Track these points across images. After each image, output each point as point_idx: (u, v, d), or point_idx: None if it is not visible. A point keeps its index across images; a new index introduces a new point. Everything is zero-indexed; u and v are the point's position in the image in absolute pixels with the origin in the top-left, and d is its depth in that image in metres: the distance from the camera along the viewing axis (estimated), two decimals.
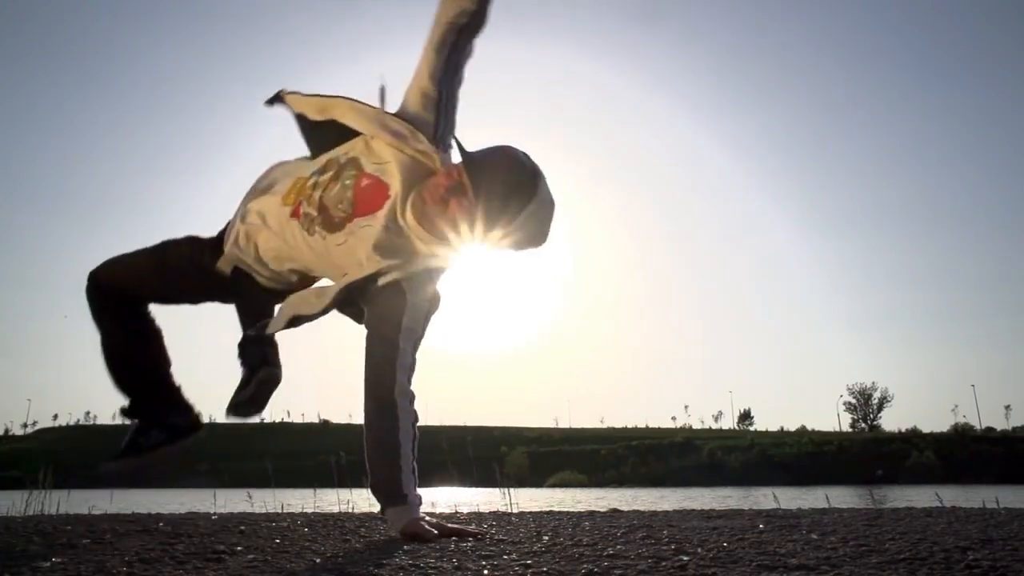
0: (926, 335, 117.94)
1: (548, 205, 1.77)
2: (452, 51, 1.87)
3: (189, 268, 1.98)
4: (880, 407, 69.35)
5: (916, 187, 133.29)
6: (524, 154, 1.75)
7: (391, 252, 1.76)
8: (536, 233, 1.78)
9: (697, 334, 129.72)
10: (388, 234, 1.77)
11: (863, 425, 68.78)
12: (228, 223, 2.00)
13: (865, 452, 53.82)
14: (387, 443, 1.81)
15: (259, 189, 1.95)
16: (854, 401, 70.48)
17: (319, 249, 1.81)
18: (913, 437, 57.41)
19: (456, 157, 1.80)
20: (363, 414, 1.87)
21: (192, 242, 2.02)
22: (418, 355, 1.86)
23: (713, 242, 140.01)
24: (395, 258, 1.76)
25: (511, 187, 1.70)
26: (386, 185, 1.79)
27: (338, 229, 1.78)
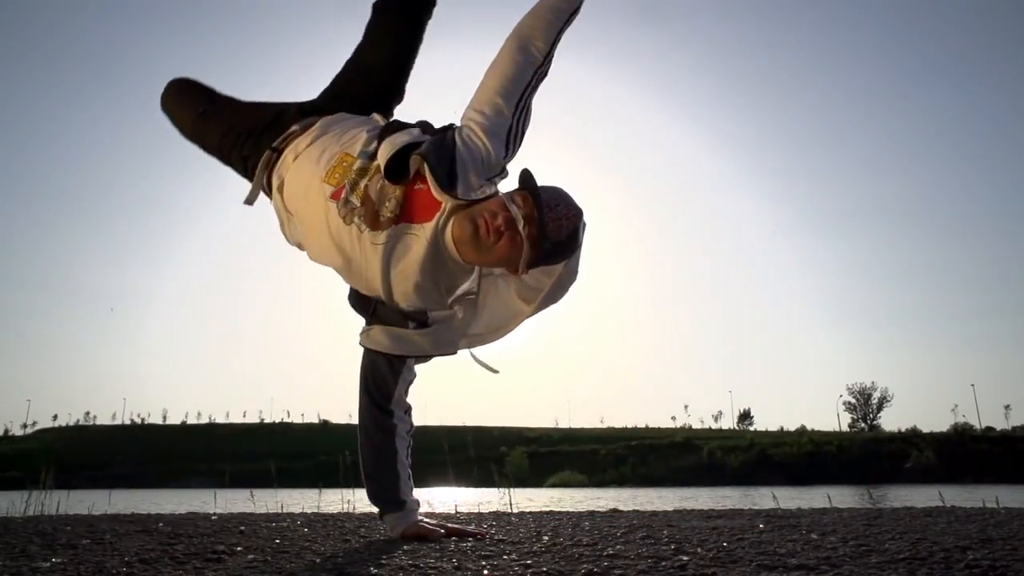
0: (926, 335, 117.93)
1: (578, 264, 1.75)
2: (526, 88, 1.78)
3: (221, 159, 1.98)
4: (880, 407, 69.36)
5: (916, 187, 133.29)
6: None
7: (432, 270, 1.70)
8: (560, 288, 1.75)
9: (697, 334, 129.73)
10: (431, 250, 1.68)
11: (863, 425, 68.77)
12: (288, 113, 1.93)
13: (865, 452, 53.81)
14: (384, 450, 1.81)
15: (309, 145, 1.82)
16: (854, 401, 70.46)
17: (350, 240, 1.70)
18: (913, 437, 57.42)
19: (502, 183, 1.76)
20: (359, 421, 1.87)
21: (238, 153, 1.94)
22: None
23: (712, 241, 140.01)
24: (433, 278, 1.71)
25: (572, 236, 1.66)
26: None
27: (381, 228, 1.68)
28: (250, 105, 1.98)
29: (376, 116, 1.90)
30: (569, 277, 1.75)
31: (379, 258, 1.68)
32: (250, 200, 1.90)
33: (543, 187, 1.66)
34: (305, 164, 1.78)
